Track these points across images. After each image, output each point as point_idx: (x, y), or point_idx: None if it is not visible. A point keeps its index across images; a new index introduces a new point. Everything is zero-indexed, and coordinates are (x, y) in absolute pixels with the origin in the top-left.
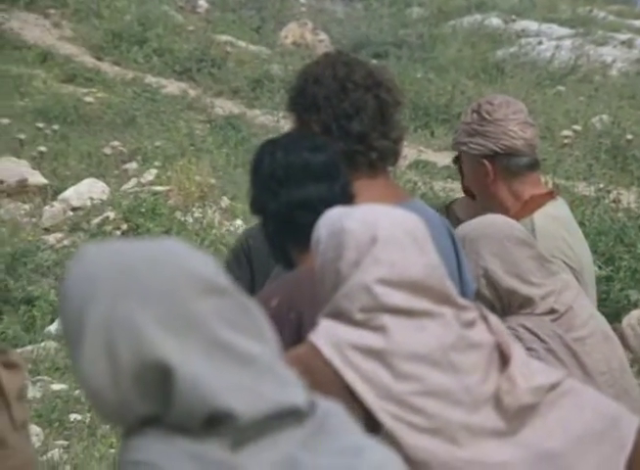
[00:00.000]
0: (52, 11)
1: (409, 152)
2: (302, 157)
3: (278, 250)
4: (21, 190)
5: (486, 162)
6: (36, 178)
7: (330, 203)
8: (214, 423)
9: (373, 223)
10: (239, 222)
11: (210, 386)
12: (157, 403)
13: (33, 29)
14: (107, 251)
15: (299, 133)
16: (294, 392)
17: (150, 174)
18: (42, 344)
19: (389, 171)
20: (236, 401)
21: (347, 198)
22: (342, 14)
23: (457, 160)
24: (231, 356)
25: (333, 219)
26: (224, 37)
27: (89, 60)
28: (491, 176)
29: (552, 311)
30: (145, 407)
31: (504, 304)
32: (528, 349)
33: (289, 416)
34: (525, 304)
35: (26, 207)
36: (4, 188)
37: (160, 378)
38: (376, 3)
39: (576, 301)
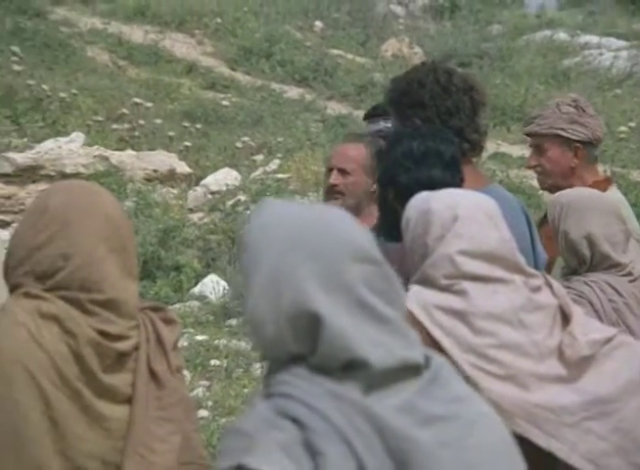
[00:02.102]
0: (196, 31)
1: (489, 145)
2: (438, 145)
3: (389, 220)
4: (170, 177)
5: (580, 146)
6: (183, 168)
7: (449, 187)
8: (351, 369)
9: (454, 204)
10: None
11: (352, 338)
12: (305, 345)
13: (181, 46)
14: (283, 208)
15: (435, 127)
16: (416, 350)
17: (274, 164)
18: (187, 303)
19: (475, 161)
20: (371, 353)
21: (461, 186)
22: (434, 31)
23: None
24: (371, 316)
25: (421, 201)
26: (335, 51)
27: (226, 70)
28: (576, 160)
29: (630, 274)
30: (295, 346)
31: (595, 263)
32: (610, 300)
33: (411, 370)
34: (612, 266)
35: (175, 191)
36: (157, 176)
37: (311, 325)
38: (462, 21)
39: None
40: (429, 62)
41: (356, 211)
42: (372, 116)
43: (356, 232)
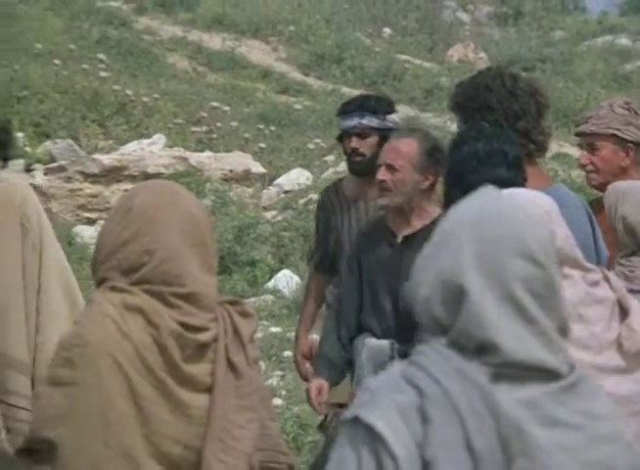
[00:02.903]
0: (271, 38)
1: (552, 146)
2: (503, 146)
3: None
4: (246, 177)
5: (632, 146)
6: (257, 168)
7: (514, 187)
8: (484, 352)
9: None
10: None
11: (491, 320)
12: (447, 315)
13: (257, 53)
14: (483, 193)
15: (499, 129)
16: (558, 357)
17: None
18: (262, 296)
19: (539, 161)
20: (505, 342)
21: (524, 186)
22: (498, 36)
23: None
24: (519, 314)
25: None
26: (403, 56)
27: (298, 76)
28: (627, 161)
29: None
30: (440, 312)
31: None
32: None
33: (547, 373)
34: None
35: (250, 190)
36: (233, 176)
37: (457, 296)
38: (526, 27)
39: None
40: (494, 67)
41: (407, 208)
42: (345, 112)
43: (531, 232)
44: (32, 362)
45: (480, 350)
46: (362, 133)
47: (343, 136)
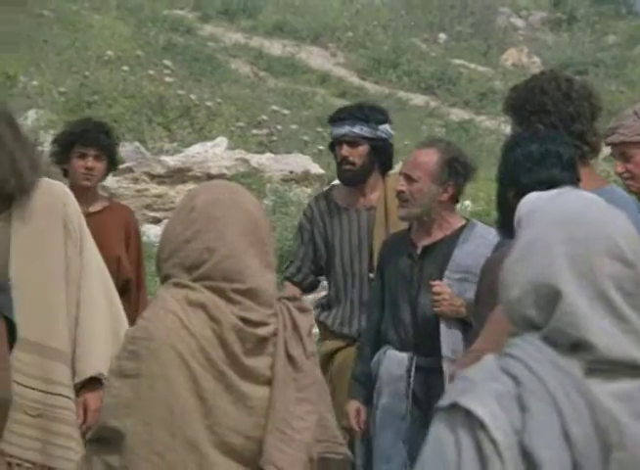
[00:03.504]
0: (330, 44)
1: (603, 148)
2: (557, 148)
3: (509, 218)
4: (305, 178)
5: None
6: (316, 169)
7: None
8: (577, 349)
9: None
10: (467, 202)
11: (585, 319)
12: (541, 315)
13: (316, 58)
14: (565, 194)
15: (553, 131)
16: None
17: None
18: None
19: (592, 163)
20: (600, 339)
21: (578, 186)
22: (552, 41)
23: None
24: (611, 311)
25: (532, 201)
26: (458, 61)
27: (356, 80)
28: None
29: None
30: (533, 313)
31: None
32: None
33: (637, 370)
34: None
35: (309, 190)
36: (293, 176)
37: (550, 297)
38: (579, 32)
39: None
40: (549, 70)
41: (427, 219)
42: (337, 119)
43: (620, 232)
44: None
45: (574, 347)
46: (353, 141)
47: (335, 144)
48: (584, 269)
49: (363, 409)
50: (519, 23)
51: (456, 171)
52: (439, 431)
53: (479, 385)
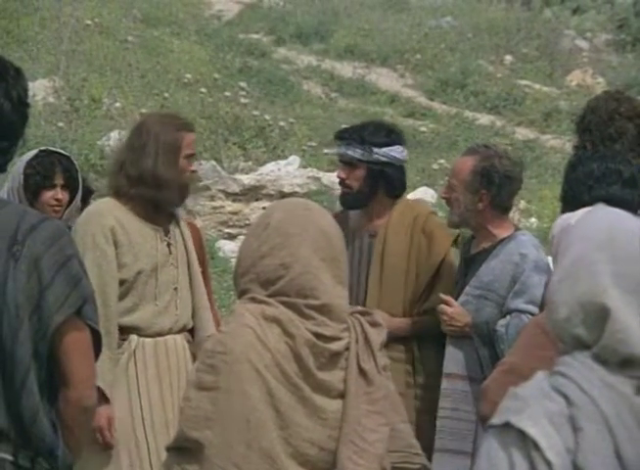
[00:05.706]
0: (398, 66)
1: None
2: (617, 166)
3: None
4: None
5: None
6: None
7: (628, 204)
8: (629, 365)
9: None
10: (533, 220)
11: (635, 336)
12: (591, 333)
13: (385, 80)
14: (605, 212)
15: (610, 151)
16: None
17: None
18: None
19: None
20: None
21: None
22: (616, 62)
23: None
24: None
25: (566, 220)
26: (524, 82)
27: (424, 100)
28: None
29: None
30: (582, 331)
31: None
32: None
33: None
34: None
35: None
36: None
37: (599, 315)
38: None
39: None
40: (613, 91)
41: (471, 228)
42: (337, 138)
43: None
44: None
45: (625, 363)
46: (350, 163)
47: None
48: (631, 286)
49: None
50: (583, 44)
51: (490, 180)
52: (492, 449)
53: (531, 404)
